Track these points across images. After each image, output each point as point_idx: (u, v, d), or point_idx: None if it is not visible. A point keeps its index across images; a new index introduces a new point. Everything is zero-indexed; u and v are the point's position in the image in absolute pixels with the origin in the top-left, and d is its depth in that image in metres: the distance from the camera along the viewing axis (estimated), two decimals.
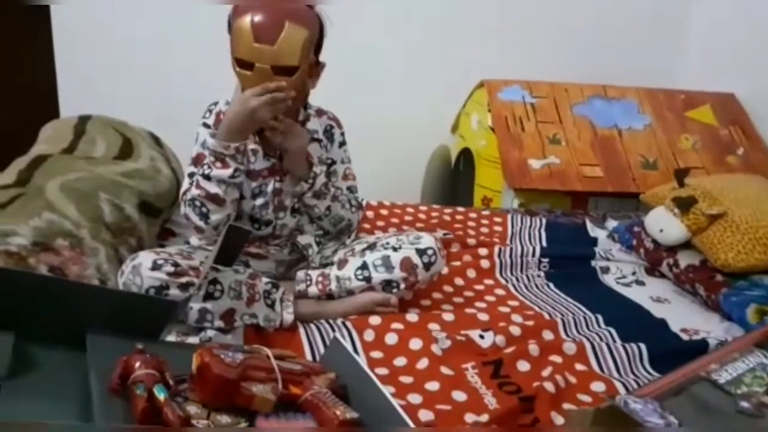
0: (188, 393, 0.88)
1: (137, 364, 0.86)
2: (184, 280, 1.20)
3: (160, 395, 0.83)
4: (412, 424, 0.87)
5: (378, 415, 0.92)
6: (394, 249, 1.35)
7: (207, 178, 1.25)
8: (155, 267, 1.20)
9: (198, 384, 0.88)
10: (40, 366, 0.90)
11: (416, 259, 1.34)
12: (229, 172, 1.25)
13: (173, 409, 0.81)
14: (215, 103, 1.38)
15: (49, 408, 0.83)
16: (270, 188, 1.35)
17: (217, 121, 1.33)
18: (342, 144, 1.46)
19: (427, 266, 1.35)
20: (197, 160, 1.33)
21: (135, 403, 0.82)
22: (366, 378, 0.98)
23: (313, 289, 1.34)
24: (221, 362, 0.88)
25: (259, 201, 1.36)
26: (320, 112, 1.44)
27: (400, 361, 1.18)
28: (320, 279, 1.34)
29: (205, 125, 1.35)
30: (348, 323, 1.28)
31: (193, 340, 1.21)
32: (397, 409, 0.90)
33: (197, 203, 1.26)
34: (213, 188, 1.25)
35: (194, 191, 1.26)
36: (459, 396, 1.08)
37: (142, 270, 1.19)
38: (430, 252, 1.35)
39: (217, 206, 1.27)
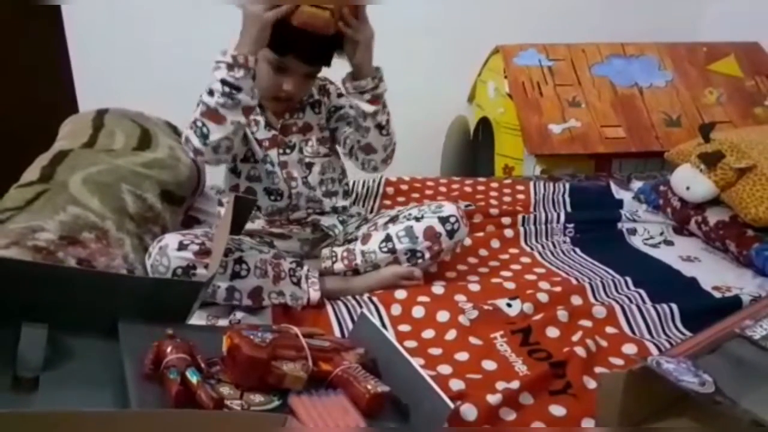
0: (220, 375, 0.90)
1: (169, 349, 0.88)
2: (210, 259, 1.21)
3: (193, 378, 0.84)
4: (443, 394, 0.87)
5: (408, 388, 0.92)
6: (417, 219, 1.35)
7: (210, 93, 1.20)
8: (181, 247, 1.21)
9: (229, 365, 0.89)
10: (75, 356, 0.92)
11: (439, 228, 1.34)
12: (237, 75, 1.18)
13: (207, 391, 0.83)
14: None
15: (86, 396, 0.85)
16: (276, 160, 1.38)
17: None
18: (341, 95, 1.45)
19: (451, 234, 1.35)
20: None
21: (169, 388, 0.84)
22: (395, 351, 0.98)
23: (339, 266, 1.35)
24: (251, 343, 0.89)
25: (269, 167, 1.39)
26: None
27: (428, 333, 1.18)
28: (345, 255, 1.35)
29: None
30: (374, 298, 1.29)
31: (222, 322, 1.23)
32: (427, 380, 0.90)
33: (198, 123, 1.22)
34: (213, 101, 1.20)
35: (196, 112, 1.23)
36: (489, 365, 1.08)
37: (169, 251, 1.21)
38: (452, 219, 1.35)
39: (217, 125, 1.21)
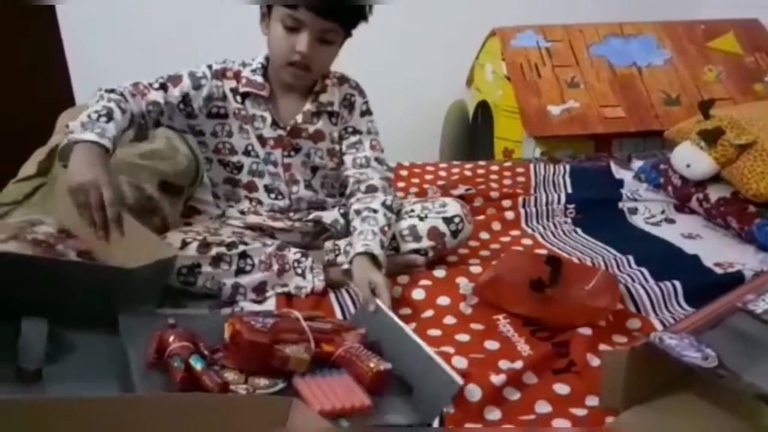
0: (224, 361, 0.91)
1: (171, 338, 0.89)
2: (213, 252, 1.21)
3: (198, 365, 0.86)
4: (451, 371, 0.89)
5: (412, 365, 0.94)
6: (420, 218, 1.34)
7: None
8: (184, 245, 1.20)
9: (233, 351, 0.91)
10: (75, 349, 0.93)
11: (443, 228, 1.32)
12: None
13: (211, 377, 0.84)
14: (231, 60, 1.34)
15: (91, 386, 0.86)
16: (280, 161, 1.34)
17: (220, 72, 1.31)
18: (365, 113, 1.38)
19: (455, 234, 1.34)
20: (172, 77, 1.29)
21: (173, 375, 0.85)
22: (398, 330, 1.00)
23: (342, 258, 1.33)
24: (252, 328, 0.91)
25: (271, 168, 1.35)
26: (342, 80, 1.38)
27: (428, 314, 1.18)
28: (348, 248, 1.34)
29: (208, 66, 1.32)
30: None
31: (225, 311, 1.22)
32: (435, 357, 0.93)
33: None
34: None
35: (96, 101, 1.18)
36: (491, 345, 1.08)
37: None
38: (457, 220, 1.34)
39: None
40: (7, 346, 0.87)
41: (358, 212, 1.30)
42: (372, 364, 0.92)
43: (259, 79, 1.31)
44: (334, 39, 1.26)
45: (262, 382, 0.89)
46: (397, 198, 1.43)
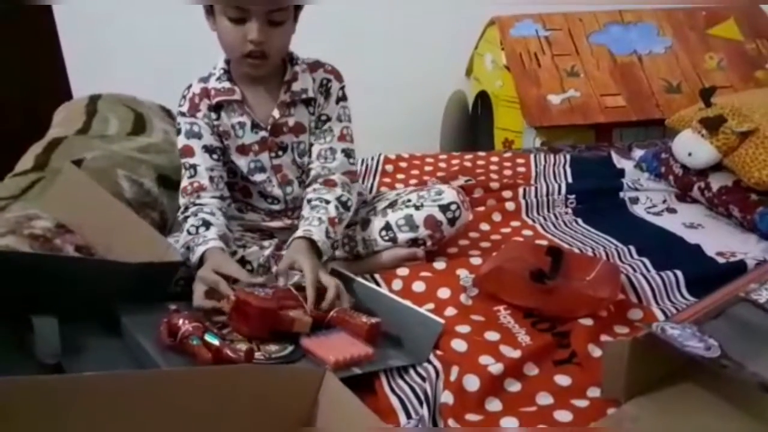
0: (231, 335, 0.98)
1: (181, 321, 0.95)
2: None
3: (214, 341, 0.92)
4: (431, 315, 1.04)
5: (394, 321, 1.08)
6: (416, 207, 1.32)
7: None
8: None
9: (240, 321, 0.98)
10: (84, 342, 0.94)
11: (440, 216, 1.31)
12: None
13: (233, 349, 0.91)
14: (188, 87, 1.29)
15: None
16: (268, 164, 1.30)
17: (192, 106, 1.27)
18: (340, 99, 1.30)
19: (452, 221, 1.32)
20: (185, 152, 1.27)
21: (197, 352, 0.91)
22: (376, 293, 1.15)
23: (340, 252, 1.32)
24: (258, 297, 0.99)
25: (259, 177, 1.30)
26: (315, 66, 1.31)
27: (429, 306, 1.17)
28: (346, 241, 1.33)
29: (181, 113, 1.28)
30: (377, 276, 1.27)
31: None
32: (413, 307, 1.08)
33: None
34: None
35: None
36: (492, 336, 1.07)
37: None
38: (453, 207, 1.32)
39: None
40: (19, 344, 0.88)
41: (309, 201, 1.25)
42: (365, 319, 1.03)
43: (227, 84, 1.26)
44: (284, 17, 1.17)
45: (273, 347, 0.96)
46: (364, 192, 1.43)
